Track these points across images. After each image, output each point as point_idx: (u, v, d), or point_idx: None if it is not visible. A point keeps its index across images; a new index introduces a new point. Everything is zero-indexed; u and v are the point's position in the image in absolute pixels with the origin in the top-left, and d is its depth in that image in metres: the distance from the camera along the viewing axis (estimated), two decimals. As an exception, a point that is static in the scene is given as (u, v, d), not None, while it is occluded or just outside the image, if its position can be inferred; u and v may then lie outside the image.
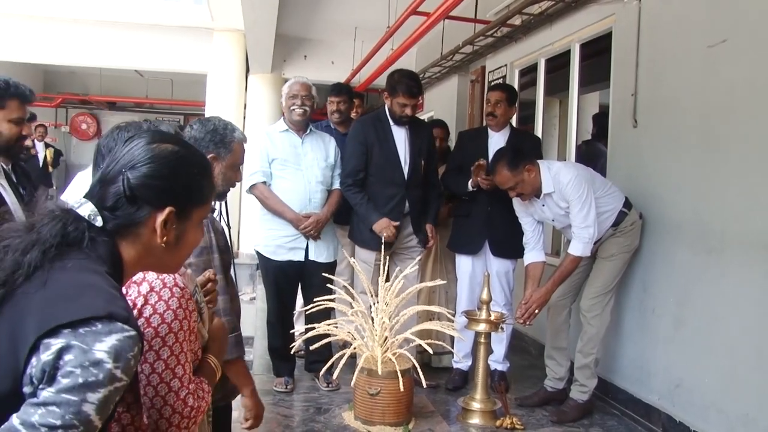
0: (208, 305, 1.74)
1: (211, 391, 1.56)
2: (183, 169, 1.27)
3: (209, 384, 1.56)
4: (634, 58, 4.11)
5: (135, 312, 1.37)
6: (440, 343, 3.45)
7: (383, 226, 4.02)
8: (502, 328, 3.99)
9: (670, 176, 3.78)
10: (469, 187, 4.26)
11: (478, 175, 4.17)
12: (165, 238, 1.24)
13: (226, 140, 2.41)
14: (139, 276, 1.41)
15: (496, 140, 4.38)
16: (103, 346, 1.02)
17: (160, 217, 1.23)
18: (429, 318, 4.42)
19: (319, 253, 4.12)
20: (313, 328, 3.21)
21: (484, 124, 4.55)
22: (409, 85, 4.09)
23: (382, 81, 4.42)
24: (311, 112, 4.20)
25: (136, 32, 9.33)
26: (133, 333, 1.06)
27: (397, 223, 4.05)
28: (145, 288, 1.40)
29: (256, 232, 4.22)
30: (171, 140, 1.29)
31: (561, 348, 4.12)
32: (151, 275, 1.42)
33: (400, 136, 4.21)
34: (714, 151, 3.44)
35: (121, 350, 1.03)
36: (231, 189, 2.50)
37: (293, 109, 4.07)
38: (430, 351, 3.15)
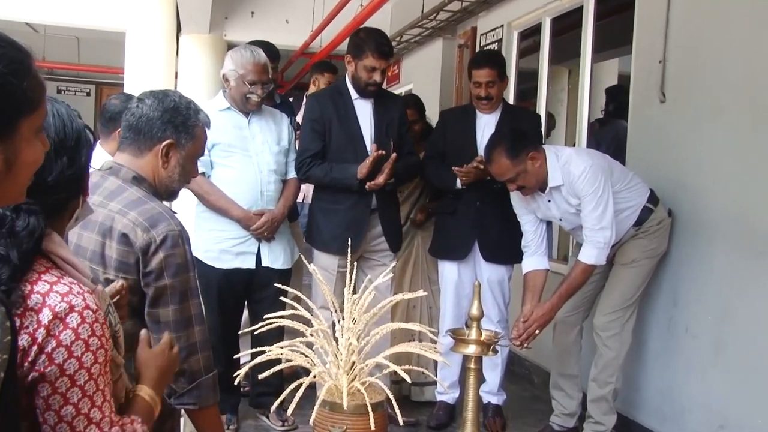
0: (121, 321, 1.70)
1: None
2: None
3: (144, 422, 1.52)
4: (663, 15, 4.10)
5: (35, 348, 1.31)
6: (421, 369, 3.39)
7: (366, 163, 3.98)
8: (495, 351, 3.96)
9: (707, 163, 3.79)
10: (458, 185, 4.25)
11: (470, 172, 4.14)
12: None
13: (188, 123, 2.36)
14: (36, 299, 1.33)
15: (486, 121, 4.38)
16: None
17: None
18: (410, 339, 4.38)
19: (274, 257, 4.10)
20: (263, 352, 3.15)
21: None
22: (379, 42, 4.09)
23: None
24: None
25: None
26: None
27: (381, 152, 3.99)
28: (47, 316, 1.32)
29: (192, 234, 4.15)
30: None
31: (570, 376, 4.12)
32: (52, 297, 1.34)
33: (365, 111, 4.20)
34: (764, 131, 3.44)
35: None
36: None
37: (250, 98, 4.02)
38: (408, 380, 3.10)
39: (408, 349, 3.46)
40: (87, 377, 1.36)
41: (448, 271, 4.44)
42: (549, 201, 3.85)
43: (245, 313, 4.31)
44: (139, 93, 2.46)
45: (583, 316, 4.10)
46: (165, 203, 2.42)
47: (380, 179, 3.99)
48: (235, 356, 3.91)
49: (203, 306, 4.08)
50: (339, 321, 3.01)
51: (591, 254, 3.71)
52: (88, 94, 14.78)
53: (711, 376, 3.70)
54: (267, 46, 4.80)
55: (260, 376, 2.69)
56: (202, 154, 2.54)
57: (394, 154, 4.00)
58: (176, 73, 9.49)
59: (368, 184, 3.99)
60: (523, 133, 3.87)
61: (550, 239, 4.59)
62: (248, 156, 4.04)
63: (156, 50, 8.76)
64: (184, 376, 2.28)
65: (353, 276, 3.08)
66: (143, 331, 1.77)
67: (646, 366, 4.15)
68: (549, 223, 4.09)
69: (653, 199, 3.88)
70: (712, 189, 3.75)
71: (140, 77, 8.37)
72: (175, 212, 2.33)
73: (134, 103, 2.37)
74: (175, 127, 2.33)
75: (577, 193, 3.72)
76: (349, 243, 3.35)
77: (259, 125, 4.12)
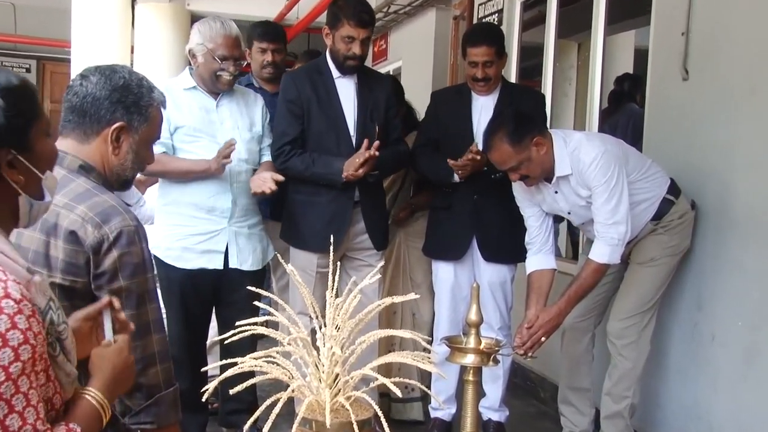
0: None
1: None
2: None
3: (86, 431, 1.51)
4: (686, -20, 4.11)
5: None
6: (412, 381, 3.40)
7: (355, 163, 3.98)
8: (497, 361, 3.98)
9: (737, 149, 3.80)
10: (456, 178, 4.27)
11: (467, 165, 4.14)
12: None
13: (141, 103, 2.36)
14: None
15: (483, 103, 4.40)
16: None
17: None
18: (389, 349, 4.38)
19: (244, 257, 4.09)
20: (234, 364, 3.15)
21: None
22: (357, 9, 4.09)
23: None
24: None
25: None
26: None
27: (372, 153, 3.98)
28: None
29: (151, 231, 4.14)
30: None
31: (581, 389, 4.14)
32: None
33: (348, 91, 4.22)
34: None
35: None
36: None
37: (220, 76, 4.01)
38: (399, 394, 3.11)
39: (398, 359, 3.48)
40: (4, 377, 1.35)
41: (443, 272, 4.45)
42: (556, 192, 3.86)
43: (213, 321, 4.30)
44: (82, 69, 2.44)
45: (595, 322, 4.11)
46: (117, 195, 2.41)
47: (360, 171, 3.99)
48: (202, 369, 3.91)
49: (164, 312, 4.10)
50: (320, 328, 3.01)
51: (603, 252, 3.72)
52: (28, 70, 14.52)
53: (741, 390, 3.71)
54: (278, 28, 4.81)
55: (231, 392, 2.68)
56: (158, 138, 2.54)
57: (376, 142, 3.99)
58: (132, 48, 9.44)
59: (345, 174, 4.00)
60: (526, 116, 3.87)
61: (557, 235, 4.61)
62: (215, 143, 4.01)
63: (108, 21, 8.67)
64: (140, 391, 2.28)
65: (336, 277, 3.08)
66: (121, 340, 1.78)
67: (668, 378, 4.17)
68: (556, 218, 4.10)
69: (674, 189, 3.89)
70: (742, 178, 3.75)
71: (89, 52, 8.27)
72: (129, 205, 2.33)
73: (77, 81, 2.35)
74: (126, 107, 2.32)
75: (588, 183, 3.73)
76: (332, 240, 3.35)
77: (229, 108, 4.11)
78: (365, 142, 4.00)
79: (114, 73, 2.34)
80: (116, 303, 1.96)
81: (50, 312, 1.56)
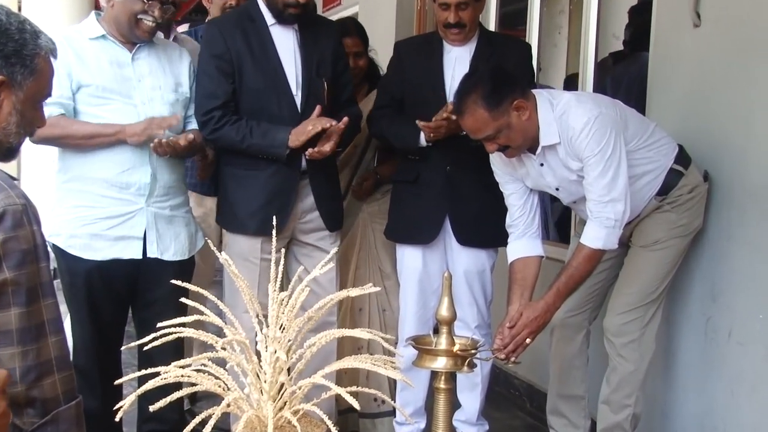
0: None
1: None
2: None
3: None
4: None
5: None
6: (374, 392, 3.39)
7: (305, 131, 3.98)
8: (473, 365, 4.00)
9: (758, 111, 3.81)
10: (422, 142, 4.26)
11: (440, 127, 4.13)
12: None
13: (25, 52, 2.30)
14: None
15: (458, 55, 4.40)
16: None
17: None
18: (358, 352, 4.38)
19: (165, 245, 4.06)
20: (155, 375, 3.13)
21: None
22: None
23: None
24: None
25: None
26: None
27: (327, 124, 3.97)
28: None
29: (50, 211, 4.09)
30: None
31: (575, 397, 4.17)
32: None
33: (286, 42, 4.19)
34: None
35: None
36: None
37: (141, 20, 3.93)
38: (357, 406, 3.12)
39: (355, 364, 3.47)
40: None
41: (410, 259, 4.45)
42: (542, 165, 3.86)
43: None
44: None
45: (589, 317, 4.14)
46: None
47: (326, 146, 3.97)
48: (116, 382, 3.88)
49: (70, 314, 4.08)
50: (262, 329, 3.00)
51: (598, 236, 3.72)
52: None
53: (764, 395, 3.74)
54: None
55: (152, 408, 2.66)
56: (49, 94, 2.49)
57: (346, 118, 3.97)
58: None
59: (310, 151, 3.97)
60: (505, 73, 3.85)
61: (546, 215, 4.62)
62: (132, 105, 3.97)
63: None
64: (33, 407, 2.24)
65: (280, 267, 3.06)
66: None
67: (676, 383, 4.21)
68: (543, 195, 4.11)
69: (683, 158, 3.91)
70: (763, 145, 3.76)
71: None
72: (15, 179, 2.29)
73: None
74: (6, 58, 2.27)
75: (579, 153, 3.73)
76: (275, 221, 3.34)
77: (148, 63, 4.05)
78: (319, 109, 3.98)
79: None
80: None
81: None
